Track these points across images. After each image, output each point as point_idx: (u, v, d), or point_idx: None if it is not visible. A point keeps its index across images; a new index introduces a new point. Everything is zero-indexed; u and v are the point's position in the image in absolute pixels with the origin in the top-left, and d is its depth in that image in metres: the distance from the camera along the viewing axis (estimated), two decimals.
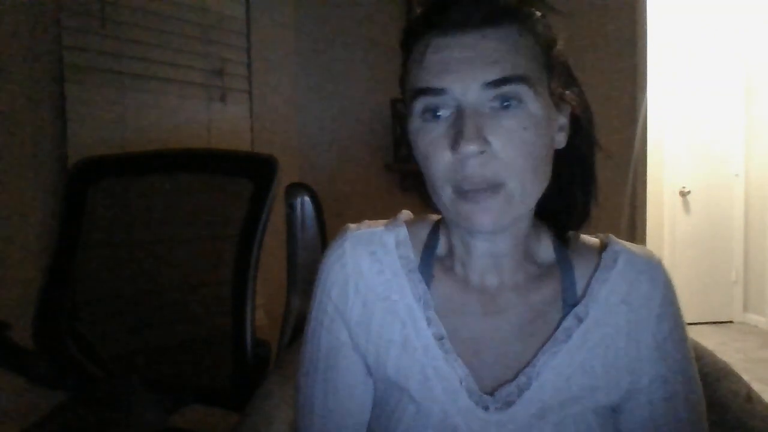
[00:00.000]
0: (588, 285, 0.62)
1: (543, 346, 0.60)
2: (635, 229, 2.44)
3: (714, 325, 4.40)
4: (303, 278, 1.18)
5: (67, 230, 1.30)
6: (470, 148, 0.52)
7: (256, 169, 1.16)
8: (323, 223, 1.20)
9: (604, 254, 0.63)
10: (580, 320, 0.60)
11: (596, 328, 0.60)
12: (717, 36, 4.46)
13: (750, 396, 0.76)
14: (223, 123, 1.90)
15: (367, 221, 0.68)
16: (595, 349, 0.60)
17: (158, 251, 1.34)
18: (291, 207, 1.19)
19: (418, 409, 0.61)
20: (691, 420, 0.62)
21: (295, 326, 1.15)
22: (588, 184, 0.65)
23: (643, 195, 2.49)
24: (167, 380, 1.21)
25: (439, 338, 0.61)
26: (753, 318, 4.43)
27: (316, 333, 0.67)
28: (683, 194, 4.55)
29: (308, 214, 1.19)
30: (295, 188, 1.20)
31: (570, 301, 0.62)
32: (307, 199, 1.19)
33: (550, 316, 0.62)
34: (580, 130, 0.63)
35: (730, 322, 4.51)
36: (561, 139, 0.61)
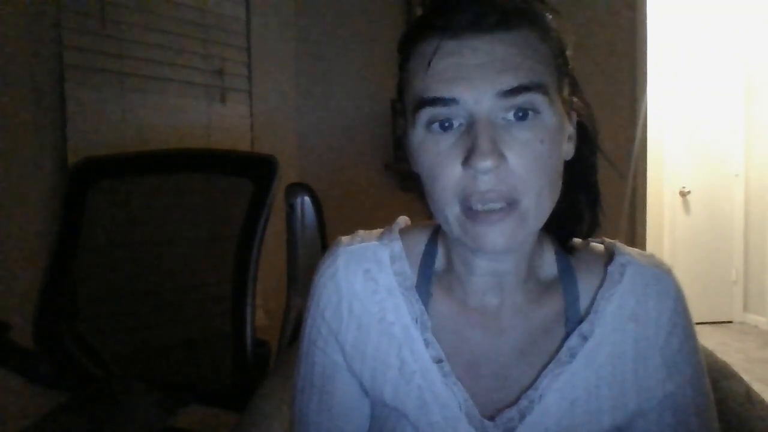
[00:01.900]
0: (593, 301, 0.59)
1: (546, 367, 0.57)
2: (635, 229, 2.44)
3: (714, 325, 4.40)
4: (303, 278, 1.18)
5: (67, 230, 1.30)
6: (486, 163, 0.48)
7: (256, 169, 1.16)
8: (323, 223, 1.20)
9: (610, 267, 0.59)
10: (585, 339, 0.57)
11: (602, 347, 0.57)
12: (717, 36, 4.45)
13: (750, 396, 0.76)
14: (223, 123, 1.90)
15: (360, 232, 0.65)
16: (600, 369, 0.57)
17: (158, 251, 1.34)
18: (291, 207, 1.19)
19: None
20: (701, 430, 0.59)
21: (295, 326, 1.15)
22: (594, 194, 0.62)
23: (643, 195, 2.49)
24: (167, 380, 1.21)
25: (438, 361, 0.58)
26: (753, 318, 4.43)
27: (309, 352, 0.65)
28: (683, 194, 4.55)
29: (308, 214, 1.19)
30: (295, 188, 1.20)
31: (574, 319, 0.58)
32: (307, 199, 1.19)
33: (554, 335, 0.58)
34: (587, 138, 0.60)
35: (730, 322, 4.51)
36: (569, 150, 0.57)
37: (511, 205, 0.51)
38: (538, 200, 0.51)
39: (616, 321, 0.58)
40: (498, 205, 0.50)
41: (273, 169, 1.13)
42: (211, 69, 1.87)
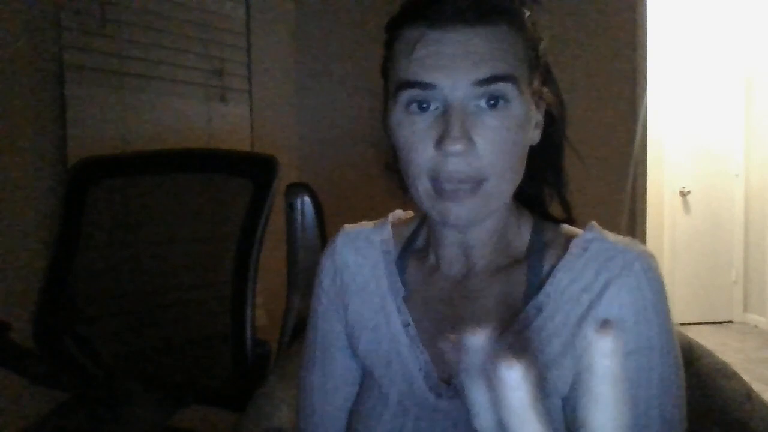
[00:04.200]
0: (551, 274, 0.60)
1: (502, 335, 0.59)
2: (635, 230, 2.44)
3: (714, 325, 4.40)
4: (303, 278, 1.18)
5: (67, 230, 1.30)
6: (456, 147, 0.53)
7: (256, 169, 1.16)
8: (323, 223, 1.20)
9: (573, 241, 0.60)
10: (539, 310, 0.58)
11: (553, 318, 0.58)
12: (717, 36, 4.46)
13: (750, 396, 0.76)
14: (223, 123, 1.90)
15: (363, 222, 0.74)
16: (551, 339, 0.57)
17: (158, 251, 1.34)
18: (291, 207, 1.19)
19: (379, 392, 0.64)
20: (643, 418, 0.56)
21: (295, 326, 1.15)
22: (560, 175, 0.66)
23: (643, 195, 2.49)
24: (167, 380, 1.21)
25: (406, 325, 0.64)
26: (753, 318, 4.43)
27: (313, 320, 0.73)
28: (683, 194, 4.55)
29: (308, 214, 1.19)
30: (295, 188, 1.20)
31: (534, 291, 0.60)
32: (307, 199, 1.19)
33: (514, 306, 0.61)
34: (554, 126, 0.64)
35: (730, 322, 4.50)
36: (535, 136, 0.62)
37: (475, 185, 0.56)
38: (501, 182, 0.57)
39: (570, 292, 0.58)
40: (465, 186, 0.55)
41: (273, 169, 1.13)
42: (211, 69, 1.87)
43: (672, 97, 4.48)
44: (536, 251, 0.63)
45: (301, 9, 2.14)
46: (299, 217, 1.18)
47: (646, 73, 2.45)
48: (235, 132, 1.94)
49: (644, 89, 2.45)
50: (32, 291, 1.29)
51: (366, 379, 0.68)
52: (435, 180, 0.56)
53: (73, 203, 1.31)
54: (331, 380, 0.71)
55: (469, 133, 0.54)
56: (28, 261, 1.41)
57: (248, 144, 1.98)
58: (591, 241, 0.60)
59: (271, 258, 1.26)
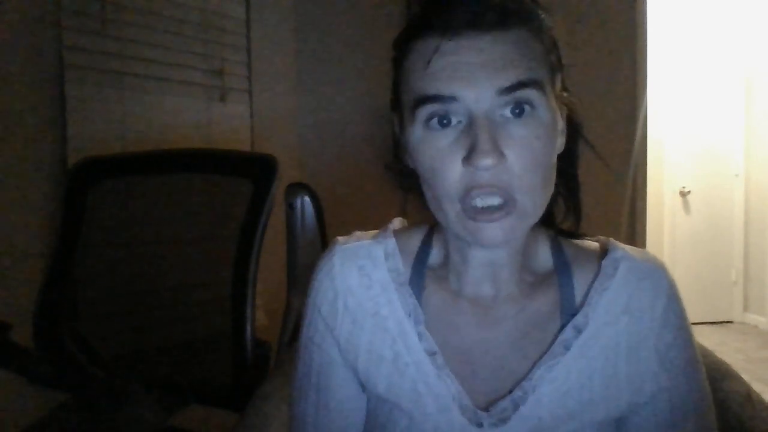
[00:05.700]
0: (587, 294, 0.59)
1: (540, 358, 0.58)
2: (635, 230, 2.44)
3: (714, 325, 4.40)
4: (303, 278, 1.18)
5: (67, 230, 1.30)
6: (487, 161, 0.49)
7: (256, 169, 1.16)
8: (323, 223, 1.20)
9: (604, 261, 0.60)
10: (579, 331, 0.58)
11: (596, 339, 0.58)
12: (717, 35, 4.45)
13: (750, 396, 0.76)
14: (223, 123, 1.90)
15: (357, 233, 0.67)
16: (594, 361, 0.57)
17: (158, 251, 1.34)
18: (291, 207, 1.19)
19: (410, 423, 0.60)
20: (699, 427, 0.60)
21: (295, 326, 1.15)
22: (575, 184, 0.64)
23: (643, 195, 2.49)
24: (167, 380, 1.21)
25: (431, 353, 0.59)
26: (753, 318, 4.43)
27: (307, 349, 0.66)
28: (683, 194, 4.55)
29: (308, 214, 1.19)
30: (295, 188, 1.20)
31: (568, 311, 0.59)
32: (307, 199, 1.19)
33: (548, 327, 0.59)
34: (575, 133, 0.62)
35: (730, 322, 4.51)
36: (560, 144, 0.58)
37: (509, 202, 0.52)
38: (534, 196, 0.53)
39: (609, 314, 0.58)
40: (496, 201, 0.52)
41: (273, 169, 1.13)
42: (211, 69, 1.87)
43: (672, 97, 4.48)
44: (564, 269, 0.61)
45: (301, 9, 2.14)
46: (299, 217, 1.19)
47: (646, 73, 2.45)
48: (235, 132, 1.94)
49: (644, 89, 2.44)
50: (32, 291, 1.28)
51: (387, 409, 0.62)
52: (465, 198, 0.52)
53: (73, 204, 1.31)
54: (327, 412, 0.65)
55: (498, 145, 0.50)
56: (28, 261, 1.40)
57: (248, 144, 1.98)
58: (619, 260, 0.60)
59: (271, 258, 1.26)
